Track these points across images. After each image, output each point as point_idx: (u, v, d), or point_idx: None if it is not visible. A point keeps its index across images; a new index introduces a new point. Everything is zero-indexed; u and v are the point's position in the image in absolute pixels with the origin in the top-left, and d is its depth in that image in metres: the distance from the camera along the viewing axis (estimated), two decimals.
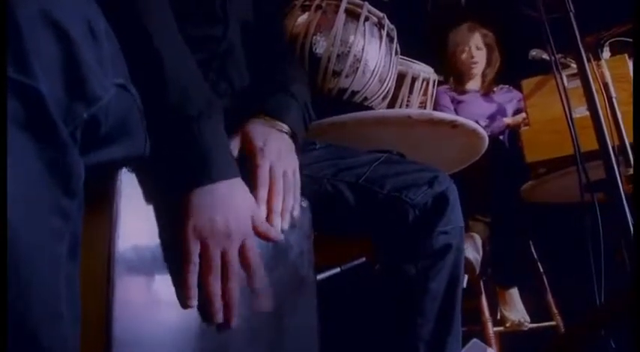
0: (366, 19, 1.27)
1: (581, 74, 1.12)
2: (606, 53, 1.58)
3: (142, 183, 0.62)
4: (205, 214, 0.64)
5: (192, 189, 0.64)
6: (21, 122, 0.44)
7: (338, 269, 1.17)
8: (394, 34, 1.34)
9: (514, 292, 2.13)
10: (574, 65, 1.58)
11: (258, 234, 0.70)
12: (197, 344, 0.65)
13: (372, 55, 1.26)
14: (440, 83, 1.77)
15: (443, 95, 2.45)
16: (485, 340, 1.87)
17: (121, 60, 0.58)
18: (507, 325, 2.06)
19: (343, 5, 1.25)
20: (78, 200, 0.49)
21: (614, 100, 1.42)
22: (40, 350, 0.45)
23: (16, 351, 0.43)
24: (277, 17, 1.09)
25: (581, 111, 1.39)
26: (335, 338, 0.99)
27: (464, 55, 2.52)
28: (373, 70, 1.27)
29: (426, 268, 0.91)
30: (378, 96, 1.32)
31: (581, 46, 1.12)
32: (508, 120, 2.37)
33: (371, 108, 1.33)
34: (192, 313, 0.64)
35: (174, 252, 0.64)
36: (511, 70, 2.48)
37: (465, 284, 0.98)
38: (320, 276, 1.04)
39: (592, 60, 1.45)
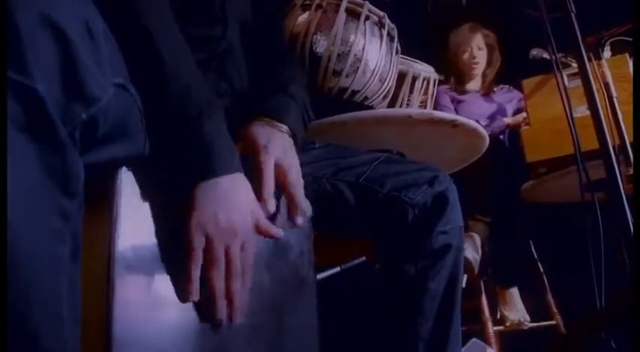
0: (367, 18, 1.27)
1: (582, 73, 1.12)
2: (607, 52, 1.58)
3: (142, 182, 0.62)
4: (209, 209, 0.64)
5: (197, 184, 0.64)
6: (20, 123, 0.44)
7: (338, 269, 1.17)
8: (395, 33, 1.33)
9: (514, 291, 2.13)
10: (575, 64, 1.59)
11: (260, 231, 0.70)
12: (197, 344, 0.65)
13: (373, 54, 1.26)
14: (440, 83, 1.76)
15: (443, 95, 2.45)
16: (485, 339, 1.87)
17: (119, 60, 0.58)
18: (507, 324, 2.06)
19: (344, 4, 1.25)
20: (78, 200, 0.49)
21: (614, 100, 1.42)
22: (40, 351, 0.45)
23: None
24: (277, 17, 1.09)
25: (581, 111, 1.39)
26: (335, 338, 0.99)
27: (465, 56, 2.52)
28: (374, 70, 1.26)
29: (426, 268, 0.91)
30: (378, 96, 1.32)
31: (582, 45, 1.12)
32: (508, 119, 2.37)
33: (371, 107, 1.33)
34: (192, 313, 0.64)
35: (175, 251, 0.64)
36: (512, 69, 2.48)
37: (464, 284, 0.99)
38: (320, 276, 1.04)
39: (593, 59, 1.45)
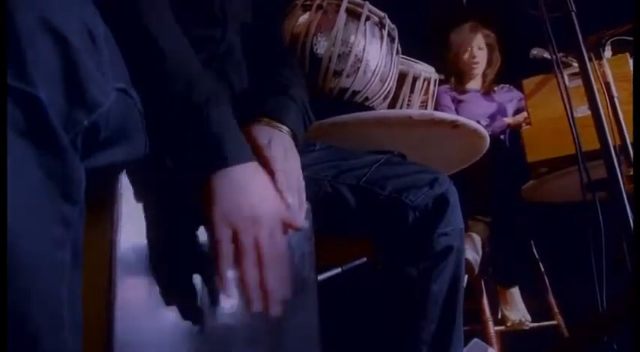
0: (367, 18, 1.26)
1: (583, 73, 1.12)
2: (608, 52, 1.58)
3: (145, 182, 0.62)
4: (229, 199, 0.62)
5: (210, 174, 0.62)
6: (21, 130, 0.44)
7: (339, 270, 1.16)
8: (395, 33, 1.33)
9: (515, 291, 2.13)
10: (575, 64, 1.59)
11: (283, 221, 0.68)
12: (198, 345, 0.65)
13: (373, 54, 1.26)
14: (441, 82, 1.76)
15: (444, 95, 2.45)
16: (486, 339, 1.87)
17: (121, 63, 0.57)
18: (508, 324, 2.06)
19: (344, 5, 1.25)
20: (79, 207, 0.49)
21: (615, 100, 1.42)
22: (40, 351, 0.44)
23: None
24: (277, 17, 1.09)
25: (582, 111, 1.38)
26: (336, 339, 0.99)
27: (466, 55, 2.52)
28: (374, 70, 1.26)
29: (428, 270, 0.91)
30: (379, 96, 1.32)
31: (582, 45, 1.12)
32: (509, 119, 2.37)
33: (372, 108, 1.33)
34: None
35: (175, 251, 0.64)
36: (512, 69, 2.48)
37: (464, 285, 0.98)
38: (321, 277, 1.04)
39: (593, 59, 1.45)
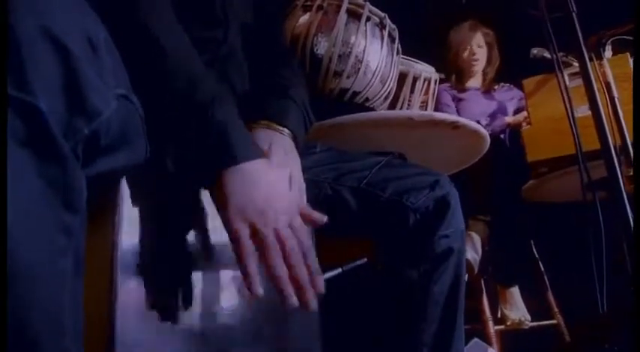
0: (368, 19, 1.26)
1: (583, 73, 1.12)
2: (608, 52, 1.58)
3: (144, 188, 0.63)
4: (242, 194, 0.61)
5: (221, 173, 0.62)
6: (21, 139, 0.44)
7: (339, 270, 1.16)
8: (396, 34, 1.33)
9: (515, 291, 2.13)
10: (576, 64, 1.59)
11: (302, 214, 0.66)
12: (198, 346, 0.65)
13: (374, 55, 1.26)
14: (441, 81, 1.76)
15: (444, 93, 2.46)
16: (486, 339, 1.87)
17: (121, 69, 0.57)
18: (508, 324, 2.06)
19: (344, 5, 1.25)
20: (80, 215, 0.48)
21: (615, 100, 1.42)
22: None
23: None
24: (278, 18, 1.09)
25: (582, 111, 1.38)
26: (337, 340, 0.99)
27: (465, 53, 2.53)
28: (375, 71, 1.26)
29: (428, 272, 0.91)
30: (379, 97, 1.32)
31: (583, 45, 1.12)
32: (509, 119, 2.37)
33: (372, 109, 1.33)
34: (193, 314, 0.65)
35: (175, 252, 0.64)
36: (512, 68, 2.48)
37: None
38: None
39: (594, 59, 1.45)
